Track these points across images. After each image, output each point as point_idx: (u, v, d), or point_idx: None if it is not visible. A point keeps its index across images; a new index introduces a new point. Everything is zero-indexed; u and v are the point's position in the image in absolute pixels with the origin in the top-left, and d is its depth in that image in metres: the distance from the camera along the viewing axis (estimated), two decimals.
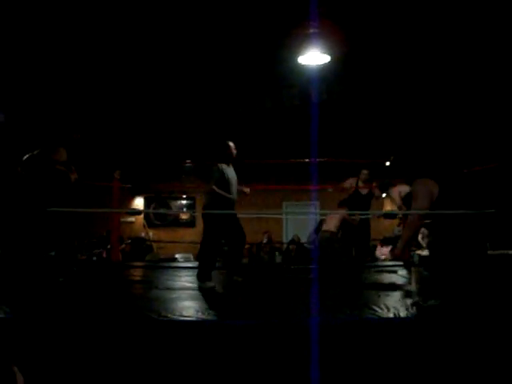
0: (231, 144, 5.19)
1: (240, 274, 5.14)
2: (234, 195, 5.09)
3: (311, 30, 5.71)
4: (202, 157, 9.65)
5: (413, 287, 4.99)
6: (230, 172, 5.12)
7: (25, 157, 4.85)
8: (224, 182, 4.98)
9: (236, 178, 5.19)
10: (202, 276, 4.80)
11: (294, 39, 5.99)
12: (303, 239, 9.95)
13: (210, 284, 4.74)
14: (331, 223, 6.51)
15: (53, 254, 4.97)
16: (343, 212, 6.59)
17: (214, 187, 4.92)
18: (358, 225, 6.94)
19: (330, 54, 6.27)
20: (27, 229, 4.77)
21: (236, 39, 6.17)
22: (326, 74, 6.92)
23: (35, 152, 4.83)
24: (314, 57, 6.22)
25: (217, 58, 6.74)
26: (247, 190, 5.37)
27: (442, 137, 8.22)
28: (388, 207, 11.96)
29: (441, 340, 3.00)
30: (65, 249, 5.01)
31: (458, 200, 3.58)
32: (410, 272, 6.10)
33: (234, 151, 5.20)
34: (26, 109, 8.25)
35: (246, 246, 10.26)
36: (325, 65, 6.47)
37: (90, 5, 5.23)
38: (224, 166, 5.07)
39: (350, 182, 7.45)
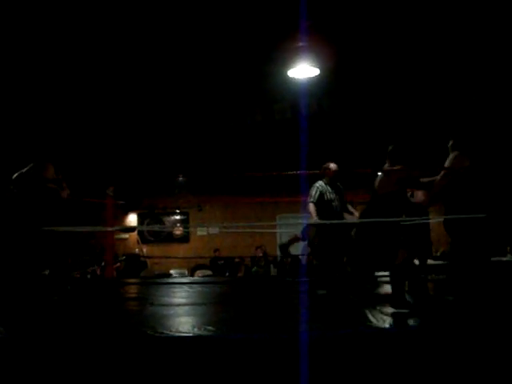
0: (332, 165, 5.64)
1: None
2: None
3: (300, 44, 5.76)
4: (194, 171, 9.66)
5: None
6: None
7: (15, 175, 4.81)
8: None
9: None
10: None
11: (284, 53, 6.03)
12: (297, 251, 9.92)
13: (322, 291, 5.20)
14: None
15: (47, 272, 4.95)
16: None
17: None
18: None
19: (320, 67, 6.31)
20: (21, 248, 4.73)
21: (225, 54, 6.21)
22: (315, 87, 6.97)
23: (24, 170, 4.80)
24: (303, 70, 6.26)
25: (206, 73, 6.78)
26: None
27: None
28: None
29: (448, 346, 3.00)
30: (59, 267, 4.98)
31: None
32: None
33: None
34: (14, 124, 8.23)
35: (237, 260, 10.27)
36: (314, 78, 6.52)
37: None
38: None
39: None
